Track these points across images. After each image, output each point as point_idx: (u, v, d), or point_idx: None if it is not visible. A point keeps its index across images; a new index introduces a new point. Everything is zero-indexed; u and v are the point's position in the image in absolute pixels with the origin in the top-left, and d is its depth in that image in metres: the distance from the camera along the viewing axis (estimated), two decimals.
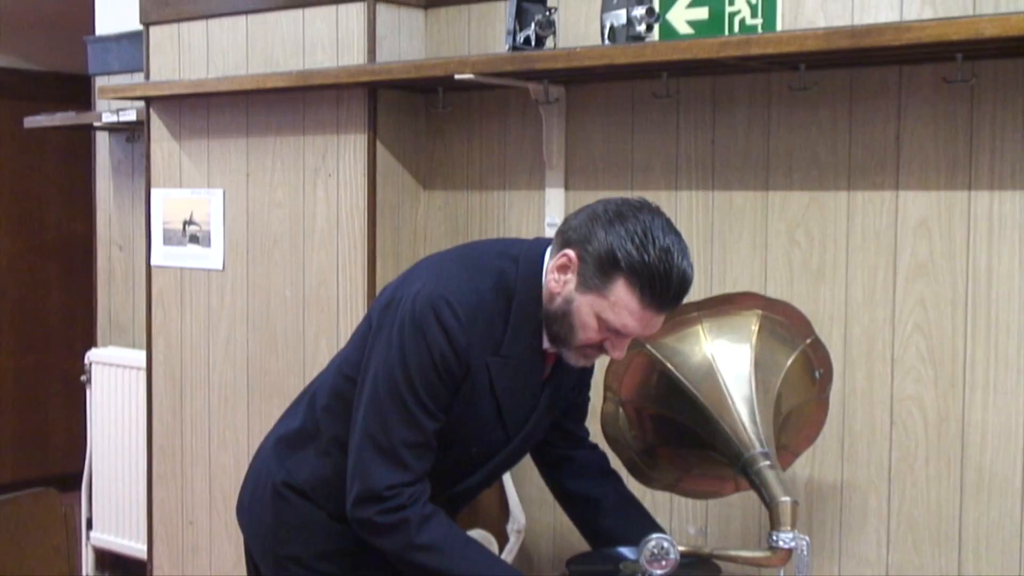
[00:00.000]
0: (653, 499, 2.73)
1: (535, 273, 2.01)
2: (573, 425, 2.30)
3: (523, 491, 2.99)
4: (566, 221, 2.01)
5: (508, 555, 2.93)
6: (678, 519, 2.79)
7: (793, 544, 1.92)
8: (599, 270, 1.92)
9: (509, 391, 2.04)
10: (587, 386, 2.28)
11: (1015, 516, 2.34)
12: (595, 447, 2.34)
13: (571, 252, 1.95)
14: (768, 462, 1.98)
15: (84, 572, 4.80)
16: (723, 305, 2.19)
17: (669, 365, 2.12)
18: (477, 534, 3.03)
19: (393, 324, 1.98)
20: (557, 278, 1.97)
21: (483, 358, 1.98)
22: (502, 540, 2.99)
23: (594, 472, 2.30)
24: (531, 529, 2.98)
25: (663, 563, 1.93)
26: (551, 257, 2.00)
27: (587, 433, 2.34)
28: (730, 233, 2.68)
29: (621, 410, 2.22)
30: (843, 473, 2.54)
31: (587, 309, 1.94)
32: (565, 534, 2.89)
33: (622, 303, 1.91)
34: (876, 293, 2.48)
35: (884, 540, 2.50)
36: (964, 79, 2.28)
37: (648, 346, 2.15)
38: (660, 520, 2.68)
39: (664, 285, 1.90)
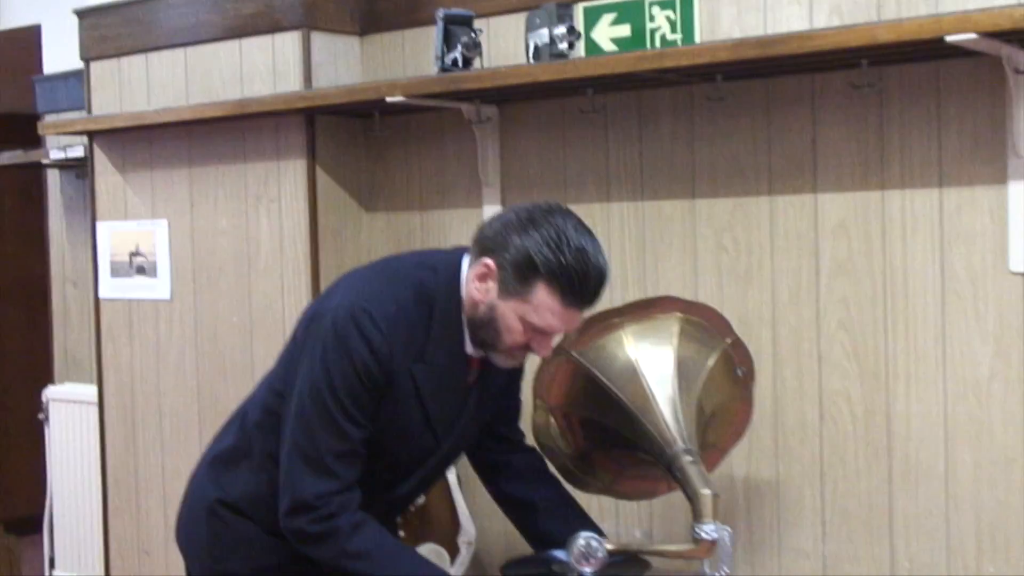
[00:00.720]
0: (600, 504, 2.79)
1: (454, 280, 2.08)
2: (506, 429, 2.36)
3: (473, 503, 3.04)
4: (481, 229, 2.07)
5: (460, 567, 2.98)
6: (624, 523, 2.85)
7: (716, 535, 1.98)
8: (519, 276, 1.98)
9: (435, 396, 2.09)
10: (517, 389, 2.34)
11: (940, 501, 2.42)
12: (532, 450, 2.40)
13: (489, 261, 2.01)
14: (690, 458, 2.05)
15: None
16: (644, 310, 2.26)
17: (594, 370, 2.19)
18: (429, 548, 3.07)
19: (316, 338, 2.04)
20: (478, 287, 2.04)
21: (406, 365, 2.04)
22: (453, 553, 3.04)
23: (531, 475, 2.35)
24: (482, 539, 3.03)
25: (591, 561, 1.99)
26: (470, 265, 2.07)
27: (522, 436, 2.40)
28: (660, 241, 2.76)
29: (551, 418, 2.28)
30: (778, 469, 2.61)
31: (511, 314, 2.01)
32: (516, 542, 2.94)
33: (544, 305, 1.98)
34: (801, 293, 2.57)
35: (820, 533, 2.57)
36: (870, 84, 2.38)
37: (573, 352, 2.22)
38: (605, 525, 2.74)
39: (583, 284, 1.97)
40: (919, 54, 2.28)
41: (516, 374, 2.29)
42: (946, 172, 2.37)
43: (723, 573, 2.01)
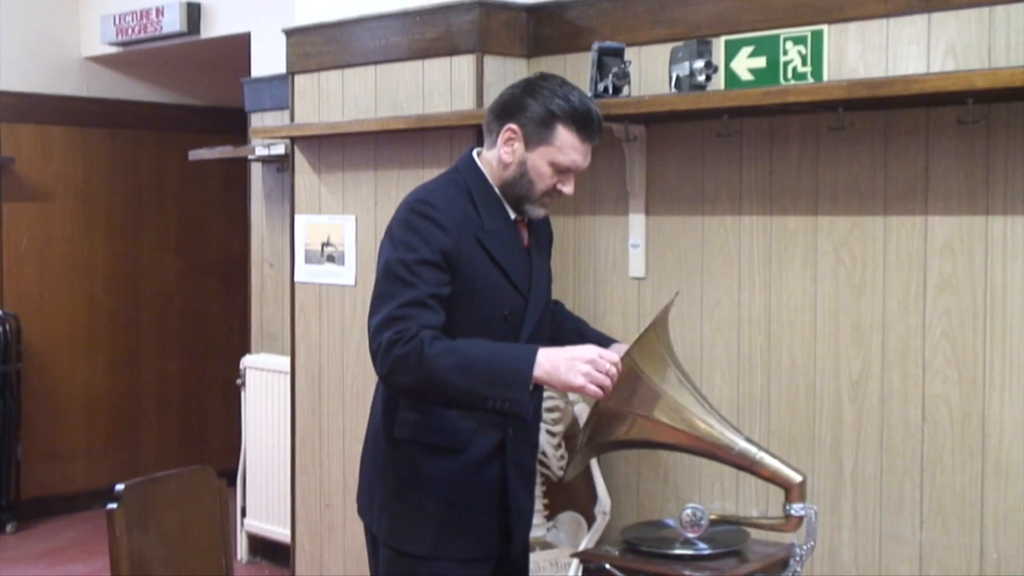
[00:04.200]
0: (723, 486, 3.13)
1: (475, 168, 2.51)
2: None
3: (608, 478, 3.41)
4: (492, 108, 2.50)
5: (596, 533, 3.36)
6: (743, 503, 3.17)
7: (803, 512, 2.30)
8: (541, 126, 2.42)
9: (505, 256, 2.47)
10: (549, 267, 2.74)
11: None
12: (556, 302, 2.83)
13: (512, 124, 2.45)
14: (755, 448, 2.34)
15: (239, 557, 5.38)
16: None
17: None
18: (569, 516, 3.47)
19: (385, 237, 2.44)
20: (506, 150, 2.46)
21: (471, 235, 2.42)
22: (590, 521, 3.42)
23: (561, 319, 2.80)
24: (616, 510, 3.39)
25: (696, 528, 2.34)
26: (487, 147, 2.50)
27: (559, 303, 2.86)
28: (785, 253, 3.06)
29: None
30: (882, 463, 2.90)
31: (540, 161, 2.45)
32: (647, 514, 3.31)
33: (567, 144, 2.43)
34: (909, 305, 2.84)
35: (918, 522, 2.84)
36: (975, 120, 2.63)
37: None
38: (727, 505, 3.08)
39: (590, 119, 2.45)
40: (1019, 95, 2.52)
41: (550, 248, 2.71)
42: None
43: (809, 545, 2.34)
